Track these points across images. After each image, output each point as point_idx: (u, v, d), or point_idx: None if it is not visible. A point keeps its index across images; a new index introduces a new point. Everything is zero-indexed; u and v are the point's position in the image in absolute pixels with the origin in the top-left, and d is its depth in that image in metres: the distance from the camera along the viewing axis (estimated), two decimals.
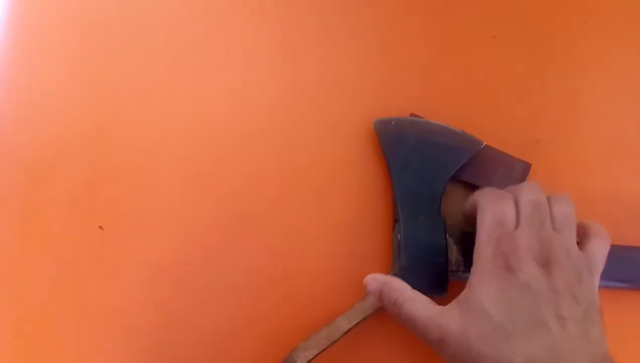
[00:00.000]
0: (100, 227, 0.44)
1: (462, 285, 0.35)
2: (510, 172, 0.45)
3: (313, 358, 0.38)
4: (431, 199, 0.41)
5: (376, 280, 0.37)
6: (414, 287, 0.36)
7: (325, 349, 0.38)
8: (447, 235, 0.40)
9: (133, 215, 0.44)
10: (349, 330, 0.38)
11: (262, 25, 0.49)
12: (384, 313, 0.40)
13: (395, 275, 0.39)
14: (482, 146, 0.43)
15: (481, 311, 0.31)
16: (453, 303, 0.34)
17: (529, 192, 0.36)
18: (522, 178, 0.45)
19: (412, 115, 0.46)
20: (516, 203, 0.35)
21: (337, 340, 0.38)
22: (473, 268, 0.34)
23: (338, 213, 0.44)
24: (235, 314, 0.42)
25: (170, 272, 0.43)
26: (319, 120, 0.47)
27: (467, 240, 0.38)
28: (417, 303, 0.34)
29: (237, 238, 0.44)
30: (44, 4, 0.48)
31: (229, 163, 0.45)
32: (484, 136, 0.44)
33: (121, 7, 0.48)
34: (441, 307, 0.34)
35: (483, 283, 0.32)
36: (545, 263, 0.32)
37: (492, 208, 0.35)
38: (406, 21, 0.49)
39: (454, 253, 0.39)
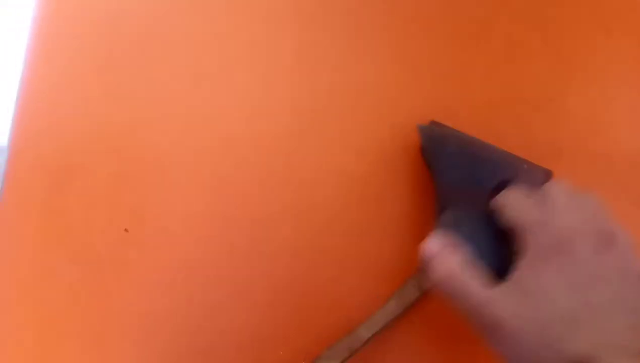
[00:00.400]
0: (126, 230, 0.44)
1: None
2: (532, 178, 0.45)
3: None
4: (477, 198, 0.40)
5: (438, 243, 0.35)
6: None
7: (346, 359, 0.38)
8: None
9: (157, 218, 0.45)
10: (370, 338, 0.39)
11: (282, 30, 0.49)
12: (404, 321, 0.41)
13: None
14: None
15: (541, 295, 0.29)
16: (506, 286, 0.31)
17: (558, 186, 0.35)
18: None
19: (432, 122, 0.46)
20: (547, 196, 0.34)
21: (358, 349, 0.38)
22: (522, 257, 0.32)
23: (356, 218, 0.45)
24: (257, 320, 0.43)
25: (193, 276, 0.44)
26: (338, 126, 0.47)
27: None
28: (473, 281, 0.31)
29: (259, 242, 0.44)
30: (68, 13, 0.49)
31: (250, 167, 0.46)
32: (504, 143, 0.44)
33: (143, 13, 0.49)
34: (496, 289, 0.31)
35: (537, 268, 0.30)
36: (599, 243, 0.30)
37: (526, 201, 0.34)
38: (426, 28, 0.49)
39: None
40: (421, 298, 0.41)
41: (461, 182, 0.41)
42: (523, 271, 0.30)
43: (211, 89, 0.47)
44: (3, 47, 0.51)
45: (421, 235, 0.43)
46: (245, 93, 0.48)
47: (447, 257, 0.33)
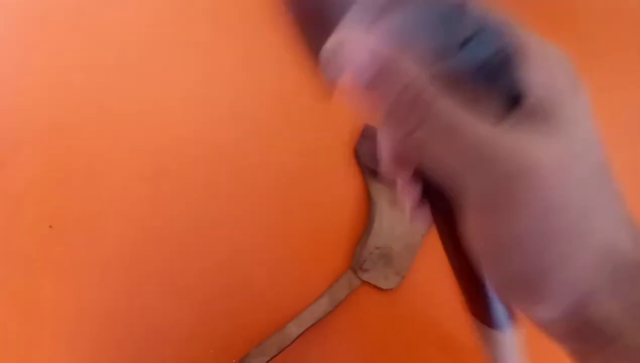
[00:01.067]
0: (50, 226, 0.43)
1: None
2: None
3: None
4: None
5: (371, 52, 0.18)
6: None
7: (274, 356, 0.39)
8: None
9: (83, 214, 0.44)
10: (299, 335, 0.40)
11: (227, 33, 0.49)
12: (333, 318, 0.42)
13: None
14: None
15: (589, 145, 0.19)
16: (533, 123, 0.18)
17: None
18: None
19: (366, 126, 0.47)
20: None
21: (287, 346, 0.39)
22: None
23: (289, 217, 0.45)
24: (187, 319, 0.42)
25: (120, 274, 0.43)
26: (280, 127, 0.48)
27: None
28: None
29: (189, 241, 0.44)
30: None
31: (184, 164, 0.45)
32: None
33: (83, 5, 0.48)
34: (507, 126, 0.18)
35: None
36: None
37: None
38: None
39: None
40: (351, 296, 0.42)
41: None
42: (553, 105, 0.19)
43: (149, 88, 0.47)
44: None
45: (354, 236, 0.45)
46: (184, 92, 0.47)
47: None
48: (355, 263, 0.43)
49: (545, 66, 0.19)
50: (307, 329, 0.40)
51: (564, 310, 0.19)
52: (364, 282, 0.42)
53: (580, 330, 0.19)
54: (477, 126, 0.18)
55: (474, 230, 0.19)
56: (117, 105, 0.46)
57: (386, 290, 0.42)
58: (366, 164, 0.46)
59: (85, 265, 0.43)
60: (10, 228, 0.43)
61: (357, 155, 0.46)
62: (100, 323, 0.42)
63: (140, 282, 0.43)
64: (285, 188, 0.46)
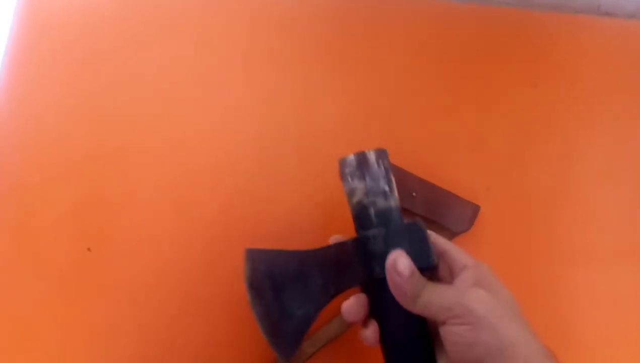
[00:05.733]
0: (89, 249, 0.47)
1: None
2: (462, 211, 0.51)
3: None
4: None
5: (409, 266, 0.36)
6: None
7: None
8: None
9: (120, 238, 0.48)
10: (313, 354, 0.43)
11: (253, 72, 0.53)
12: (345, 339, 0.45)
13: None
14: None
15: (496, 293, 0.35)
16: (467, 285, 0.36)
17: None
18: (473, 218, 0.51)
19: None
20: None
21: None
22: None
23: (309, 242, 0.49)
24: (211, 337, 0.46)
25: (153, 294, 0.47)
26: (297, 159, 0.51)
27: None
28: (435, 286, 0.36)
29: (216, 265, 0.48)
30: (44, 34, 0.52)
31: (211, 193, 0.49)
32: (440, 179, 0.50)
33: (119, 40, 0.52)
34: (457, 286, 0.36)
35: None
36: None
37: None
38: (379, 80, 0.55)
39: None
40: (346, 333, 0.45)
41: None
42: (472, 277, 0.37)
43: (181, 119, 0.51)
44: None
45: None
46: (213, 125, 0.51)
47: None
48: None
49: (462, 254, 0.38)
50: (319, 349, 0.44)
51: None
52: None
53: None
54: (444, 288, 0.36)
55: (451, 344, 0.34)
56: (150, 137, 0.50)
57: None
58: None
59: (119, 284, 0.47)
60: (50, 250, 0.47)
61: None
62: (133, 339, 0.46)
63: (168, 303, 0.46)
64: (302, 215, 0.50)
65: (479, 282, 0.35)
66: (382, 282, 0.36)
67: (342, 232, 0.40)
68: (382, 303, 0.37)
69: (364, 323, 0.38)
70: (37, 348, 0.45)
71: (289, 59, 0.54)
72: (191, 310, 0.46)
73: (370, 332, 0.37)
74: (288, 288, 0.36)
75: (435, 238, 0.39)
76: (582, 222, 0.53)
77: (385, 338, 0.37)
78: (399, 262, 0.35)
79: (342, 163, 0.39)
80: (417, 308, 0.35)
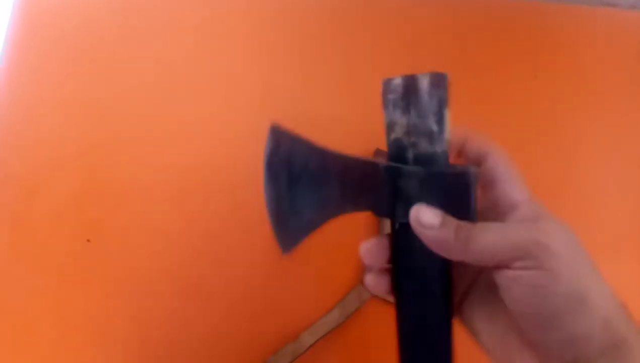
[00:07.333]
0: (88, 241, 0.47)
1: None
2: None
3: None
4: None
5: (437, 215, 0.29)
6: None
7: None
8: None
9: (120, 229, 0.48)
10: (313, 344, 0.43)
11: (250, 64, 0.53)
12: (345, 329, 0.45)
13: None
14: None
15: (568, 232, 0.28)
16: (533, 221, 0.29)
17: None
18: None
19: (377, 150, 0.51)
20: None
21: (301, 354, 0.43)
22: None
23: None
24: (208, 325, 0.46)
25: (152, 285, 0.47)
26: None
27: None
28: (490, 224, 0.28)
29: (215, 256, 0.48)
30: (42, 26, 0.52)
31: (211, 185, 0.49)
32: None
33: (116, 32, 0.52)
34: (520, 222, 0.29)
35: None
36: None
37: None
38: (378, 69, 0.54)
39: None
40: (361, 309, 0.45)
41: None
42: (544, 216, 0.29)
43: (179, 111, 0.51)
44: None
45: None
46: (212, 117, 0.51)
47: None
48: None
49: (518, 185, 0.30)
50: (320, 338, 0.44)
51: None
52: (374, 296, 0.45)
53: None
54: (504, 225, 0.28)
55: (516, 294, 0.27)
56: (148, 129, 0.50)
57: (394, 303, 0.45)
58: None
59: (119, 275, 0.47)
60: (50, 241, 0.47)
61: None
62: (131, 331, 0.46)
63: (167, 294, 0.46)
64: None
65: (543, 217, 0.28)
66: (406, 227, 0.30)
67: (342, 230, 0.40)
68: (405, 251, 0.31)
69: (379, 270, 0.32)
70: (35, 341, 0.45)
71: (288, 51, 0.54)
72: (190, 302, 0.46)
73: (384, 280, 0.32)
74: (304, 184, 0.32)
75: (491, 159, 0.31)
76: (584, 214, 0.52)
77: (403, 290, 0.32)
78: (422, 215, 0.29)
79: (386, 86, 0.32)
80: (470, 256, 0.27)
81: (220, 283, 0.47)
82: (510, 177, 0.31)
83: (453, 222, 0.28)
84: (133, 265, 0.47)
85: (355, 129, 0.52)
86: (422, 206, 0.29)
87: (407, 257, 0.31)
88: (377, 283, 0.32)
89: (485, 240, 0.27)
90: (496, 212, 0.30)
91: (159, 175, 0.49)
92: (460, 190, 0.29)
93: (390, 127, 0.31)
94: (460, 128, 0.33)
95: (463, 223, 0.28)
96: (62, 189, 0.48)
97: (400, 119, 0.31)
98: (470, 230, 0.28)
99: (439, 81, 0.31)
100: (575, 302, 0.26)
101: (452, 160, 0.31)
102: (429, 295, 0.31)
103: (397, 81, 0.31)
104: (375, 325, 0.46)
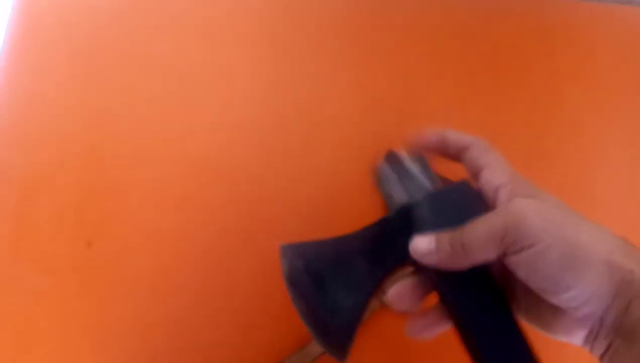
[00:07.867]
0: (89, 243, 0.46)
1: None
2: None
3: None
4: None
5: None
6: None
7: None
8: None
9: (121, 232, 0.46)
10: (321, 354, 0.41)
11: (256, 57, 0.51)
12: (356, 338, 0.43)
13: None
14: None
15: (545, 200, 0.29)
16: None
17: None
18: None
19: (389, 151, 0.49)
20: None
21: None
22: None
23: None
24: (212, 333, 0.45)
25: (154, 289, 0.45)
26: (301, 150, 0.50)
27: None
28: (471, 223, 0.29)
29: (218, 260, 0.46)
30: (43, 23, 0.51)
31: (213, 185, 0.48)
32: (454, 173, 0.48)
33: (119, 29, 0.51)
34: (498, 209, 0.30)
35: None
36: None
37: None
38: (386, 65, 0.53)
39: None
40: (371, 318, 0.43)
41: None
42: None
43: (183, 111, 0.50)
44: None
45: None
46: (215, 116, 0.50)
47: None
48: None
49: (498, 169, 0.31)
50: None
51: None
52: (384, 304, 0.44)
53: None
54: (482, 218, 0.28)
55: (523, 274, 0.28)
56: (151, 129, 0.49)
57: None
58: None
59: (119, 277, 0.45)
60: (50, 243, 0.46)
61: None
62: (134, 334, 0.44)
63: (168, 299, 0.45)
64: (309, 209, 0.48)
65: (518, 195, 0.29)
66: None
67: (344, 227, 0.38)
68: (439, 277, 0.31)
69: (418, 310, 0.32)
70: (36, 344, 0.44)
71: (296, 46, 0.52)
72: (193, 306, 0.45)
73: (430, 320, 0.32)
74: (330, 281, 0.32)
75: (473, 152, 0.32)
76: (602, 214, 0.50)
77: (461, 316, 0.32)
78: (418, 247, 0.30)
79: (375, 174, 0.36)
80: (469, 260, 0.28)
81: (224, 287, 0.45)
82: (488, 163, 0.31)
83: (445, 237, 0.29)
84: (134, 268, 0.45)
85: (364, 129, 0.50)
86: (416, 238, 0.30)
87: (453, 286, 0.31)
88: (424, 325, 0.33)
89: (471, 240, 0.28)
90: (487, 204, 0.31)
91: (163, 176, 0.48)
92: (459, 199, 0.32)
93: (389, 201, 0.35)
94: (435, 129, 0.34)
95: (453, 233, 0.29)
96: (62, 190, 0.47)
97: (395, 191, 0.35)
98: (461, 236, 0.28)
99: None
100: (568, 260, 0.26)
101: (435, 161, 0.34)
102: (491, 308, 0.31)
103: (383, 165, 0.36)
104: (386, 334, 0.44)
